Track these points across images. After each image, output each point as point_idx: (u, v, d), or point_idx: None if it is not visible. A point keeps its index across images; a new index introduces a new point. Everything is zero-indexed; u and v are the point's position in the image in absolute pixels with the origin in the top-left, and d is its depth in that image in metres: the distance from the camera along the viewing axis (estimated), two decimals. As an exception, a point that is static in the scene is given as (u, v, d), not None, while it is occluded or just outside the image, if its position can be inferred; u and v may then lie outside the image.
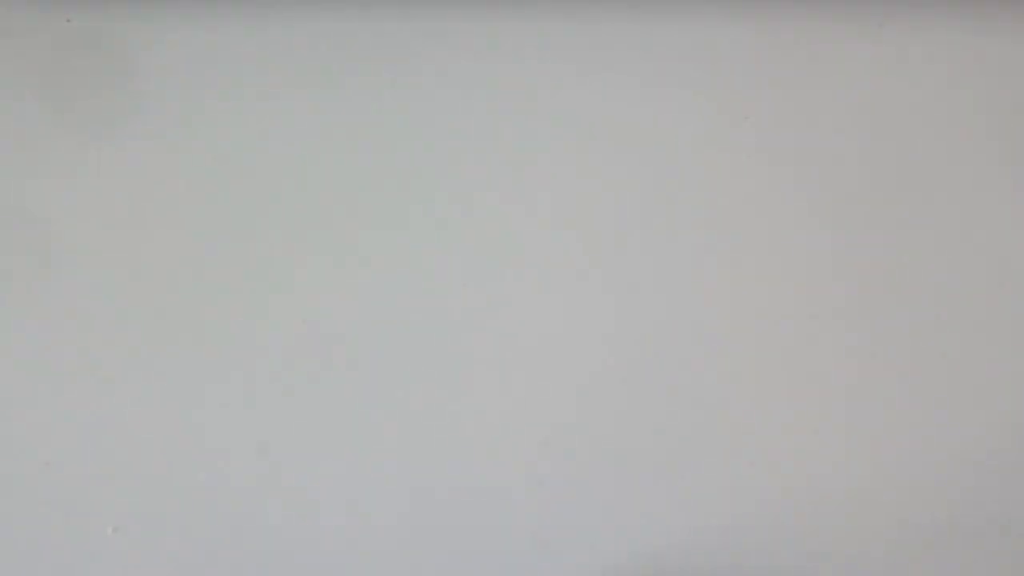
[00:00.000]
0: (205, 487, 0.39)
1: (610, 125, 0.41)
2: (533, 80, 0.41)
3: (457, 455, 0.39)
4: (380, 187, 0.41)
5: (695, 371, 0.40)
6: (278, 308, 0.40)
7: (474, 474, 0.39)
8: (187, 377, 0.40)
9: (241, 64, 0.41)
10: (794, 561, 0.39)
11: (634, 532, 0.39)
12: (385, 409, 0.40)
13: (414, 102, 0.41)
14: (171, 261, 0.41)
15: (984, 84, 0.41)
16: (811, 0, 0.41)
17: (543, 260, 0.40)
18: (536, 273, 0.40)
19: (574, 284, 0.40)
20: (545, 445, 0.39)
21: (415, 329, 0.40)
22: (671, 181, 0.41)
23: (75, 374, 0.40)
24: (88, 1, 0.41)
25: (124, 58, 0.41)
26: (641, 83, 0.41)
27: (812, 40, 0.41)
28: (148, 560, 0.39)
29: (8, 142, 0.40)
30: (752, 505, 0.39)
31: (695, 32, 0.41)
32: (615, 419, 0.40)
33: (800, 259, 0.41)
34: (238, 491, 0.39)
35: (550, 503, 0.39)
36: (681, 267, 0.40)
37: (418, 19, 0.41)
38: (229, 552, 0.39)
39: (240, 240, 0.41)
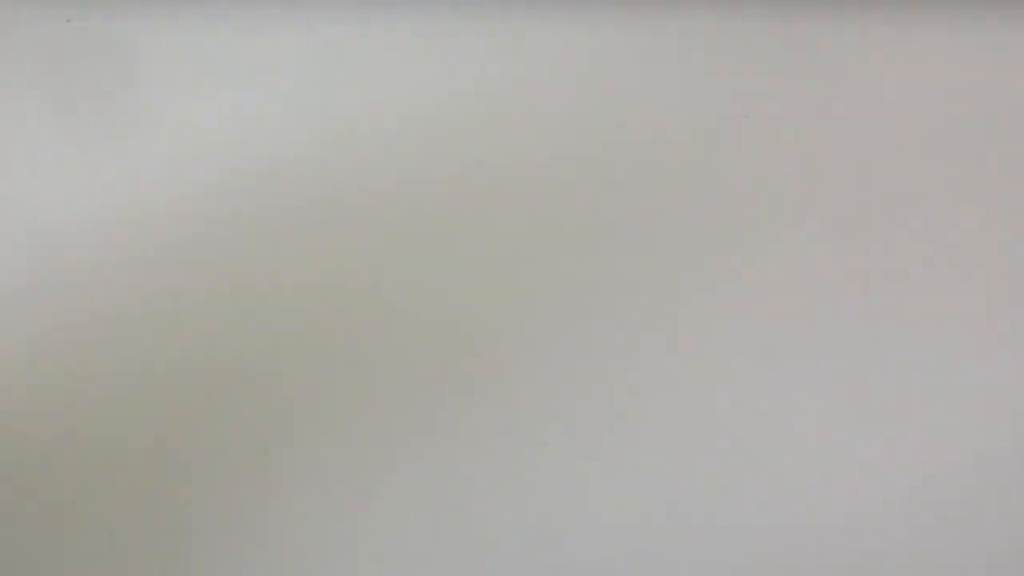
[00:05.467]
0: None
1: (608, 124, 0.41)
2: (531, 79, 0.41)
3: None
4: (386, 186, 0.41)
5: (690, 373, 0.40)
6: (279, 308, 0.40)
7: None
8: (190, 379, 0.40)
9: (242, 64, 0.41)
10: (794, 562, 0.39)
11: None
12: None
13: (417, 101, 0.41)
14: (173, 261, 0.41)
15: (984, 84, 0.41)
16: (811, 0, 0.41)
17: (537, 261, 0.40)
18: (529, 275, 0.40)
19: (571, 285, 0.40)
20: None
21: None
22: (670, 180, 0.41)
23: (76, 374, 0.40)
24: (88, 1, 0.41)
25: (124, 58, 0.41)
26: (640, 82, 0.41)
27: (812, 39, 0.41)
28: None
29: (8, 142, 0.40)
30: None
31: (695, 31, 0.41)
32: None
33: (800, 259, 0.41)
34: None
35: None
36: (680, 267, 0.40)
37: (420, 19, 0.41)
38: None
39: (242, 240, 0.41)
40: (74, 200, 0.40)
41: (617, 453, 0.40)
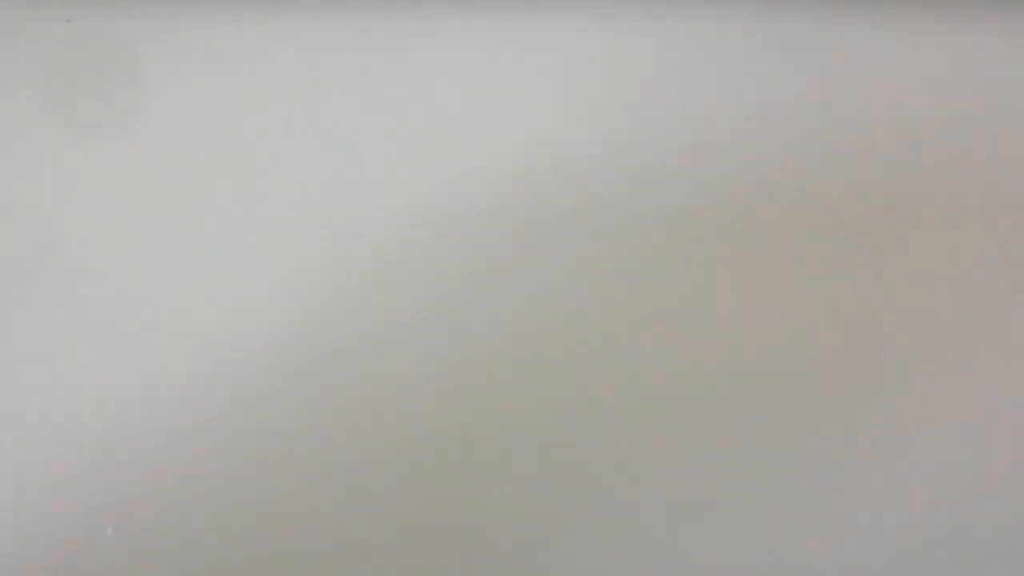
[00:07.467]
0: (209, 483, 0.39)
1: (608, 123, 0.41)
2: (531, 79, 0.41)
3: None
4: (382, 185, 0.41)
5: (686, 372, 0.40)
6: (278, 306, 0.40)
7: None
8: (187, 378, 0.40)
9: (242, 64, 0.41)
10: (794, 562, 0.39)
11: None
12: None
13: (415, 101, 0.41)
14: (173, 261, 0.41)
15: (985, 84, 0.41)
16: (811, 0, 0.41)
17: (539, 258, 0.40)
18: (532, 271, 0.40)
19: (571, 285, 0.40)
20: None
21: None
22: (670, 180, 0.41)
23: (76, 374, 0.40)
24: (88, 1, 0.41)
25: (124, 58, 0.41)
26: (640, 82, 0.41)
27: (812, 40, 0.41)
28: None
29: (8, 142, 0.40)
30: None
31: (695, 31, 0.41)
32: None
33: (800, 260, 0.40)
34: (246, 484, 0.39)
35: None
36: (679, 268, 0.40)
37: (420, 20, 0.41)
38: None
39: (242, 240, 0.41)
40: (74, 199, 0.40)
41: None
